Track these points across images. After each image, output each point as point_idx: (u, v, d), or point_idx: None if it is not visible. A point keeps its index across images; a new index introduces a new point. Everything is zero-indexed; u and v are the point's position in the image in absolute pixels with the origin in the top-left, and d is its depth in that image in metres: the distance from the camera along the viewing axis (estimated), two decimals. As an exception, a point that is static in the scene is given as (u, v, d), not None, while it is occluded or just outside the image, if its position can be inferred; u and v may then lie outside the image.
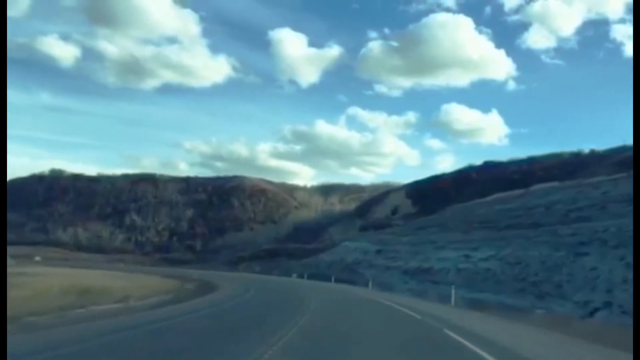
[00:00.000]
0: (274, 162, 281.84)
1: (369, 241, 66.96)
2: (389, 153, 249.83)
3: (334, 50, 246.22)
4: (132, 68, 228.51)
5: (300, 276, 68.24)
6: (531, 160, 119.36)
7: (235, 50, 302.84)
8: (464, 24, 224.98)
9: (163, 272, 63.63)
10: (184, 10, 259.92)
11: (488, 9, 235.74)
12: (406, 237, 60.58)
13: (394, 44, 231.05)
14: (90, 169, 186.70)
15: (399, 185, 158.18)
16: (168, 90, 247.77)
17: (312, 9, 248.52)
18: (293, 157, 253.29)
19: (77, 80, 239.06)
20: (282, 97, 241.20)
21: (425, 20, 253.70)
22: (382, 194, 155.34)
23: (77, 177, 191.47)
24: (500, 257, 38.08)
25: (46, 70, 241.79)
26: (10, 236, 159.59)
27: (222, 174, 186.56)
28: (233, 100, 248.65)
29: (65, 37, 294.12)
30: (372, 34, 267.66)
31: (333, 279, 58.51)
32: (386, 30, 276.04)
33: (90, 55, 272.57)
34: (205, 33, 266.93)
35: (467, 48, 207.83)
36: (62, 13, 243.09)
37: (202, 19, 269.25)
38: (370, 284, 45.51)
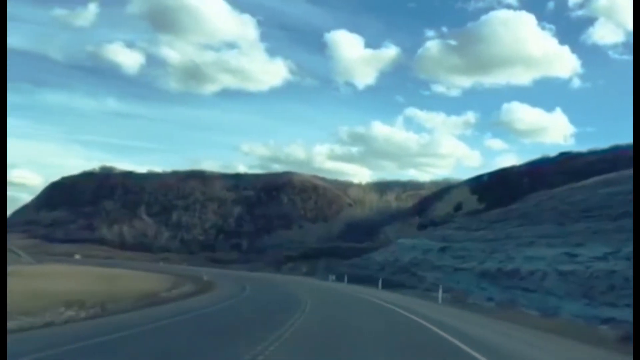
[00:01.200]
0: (330, 164, 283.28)
1: (430, 238, 55.67)
2: (448, 154, 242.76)
3: (390, 51, 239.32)
4: (193, 73, 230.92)
5: (339, 279, 57.84)
6: (616, 149, 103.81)
7: (292, 54, 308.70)
8: (526, 20, 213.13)
9: (194, 273, 54.75)
10: (243, 15, 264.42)
11: (551, 5, 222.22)
12: (478, 231, 48.92)
13: (453, 42, 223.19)
14: (142, 168, 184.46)
15: (461, 180, 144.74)
16: (227, 94, 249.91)
17: (368, 10, 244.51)
18: (350, 158, 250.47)
19: (141, 86, 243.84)
20: (339, 99, 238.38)
21: (485, 17, 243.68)
22: (443, 190, 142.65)
23: (126, 175, 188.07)
24: (626, 255, 26.30)
25: (112, 77, 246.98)
26: (57, 234, 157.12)
27: (273, 171, 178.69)
28: (290, 103, 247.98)
29: (130, 45, 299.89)
30: (430, 33, 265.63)
31: (380, 282, 47.63)
32: (444, 29, 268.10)
33: (153, 61, 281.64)
34: (263, 37, 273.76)
35: (529, 45, 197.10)
36: (127, 21, 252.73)
37: (260, 24, 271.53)
38: (440, 295, 34.24)
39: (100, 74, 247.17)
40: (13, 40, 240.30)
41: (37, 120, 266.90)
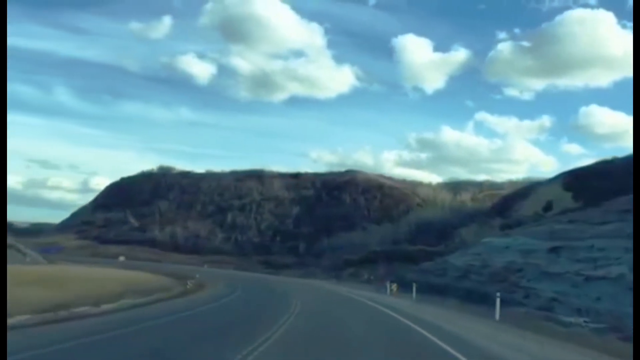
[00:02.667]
0: (398, 170, 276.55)
1: (533, 235, 40.30)
2: (522, 159, 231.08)
3: (460, 54, 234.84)
4: (262, 82, 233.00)
5: (405, 288, 43.28)
6: None
7: (359, 60, 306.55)
8: (605, 19, 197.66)
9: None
10: (310, 23, 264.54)
11: (631, 2, 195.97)
12: (607, 224, 33.30)
13: (526, 44, 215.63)
14: (200, 169, 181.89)
15: (550, 176, 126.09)
16: (295, 102, 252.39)
17: (436, 14, 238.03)
18: (418, 165, 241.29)
19: (213, 96, 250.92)
20: (407, 105, 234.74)
21: (560, 17, 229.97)
22: (527, 187, 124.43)
23: (184, 175, 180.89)
24: None
25: (185, 87, 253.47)
26: (110, 234, 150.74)
27: (335, 169, 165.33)
28: (358, 109, 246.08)
29: (202, 56, 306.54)
30: (501, 34, 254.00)
31: (457, 297, 32.84)
32: (516, 30, 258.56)
33: (224, 71, 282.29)
34: (330, 44, 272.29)
35: (608, 45, 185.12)
36: (199, 33, 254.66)
37: (327, 31, 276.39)
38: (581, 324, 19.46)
39: (173, 85, 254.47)
40: (92, 53, 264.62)
41: (116, 129, 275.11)
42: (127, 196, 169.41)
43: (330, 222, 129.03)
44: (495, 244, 44.59)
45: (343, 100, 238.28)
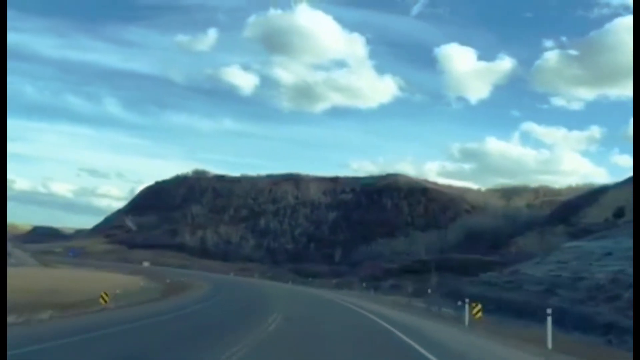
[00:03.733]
0: (442, 181, 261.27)
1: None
2: (570, 171, 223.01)
3: (505, 63, 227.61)
4: (305, 92, 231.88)
5: (462, 306, 32.72)
6: None
7: (401, 70, 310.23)
8: None
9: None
10: (352, 34, 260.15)
11: None
12: None
13: (573, 52, 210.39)
14: (236, 173, 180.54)
15: (617, 182, 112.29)
16: (337, 112, 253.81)
17: (480, 22, 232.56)
18: (462, 176, 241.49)
19: (256, 106, 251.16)
20: (450, 115, 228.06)
21: (609, 25, 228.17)
22: (592, 193, 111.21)
23: (218, 178, 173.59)
24: None
25: (229, 98, 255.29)
26: (139, 239, 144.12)
27: (377, 167, 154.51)
28: (400, 120, 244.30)
29: (245, 67, 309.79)
30: (548, 43, 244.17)
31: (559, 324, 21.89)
32: (564, 39, 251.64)
33: (267, 82, 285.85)
34: (372, 55, 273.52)
35: None
36: (243, 45, 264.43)
37: (369, 41, 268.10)
38: None
39: (218, 96, 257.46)
40: (139, 65, 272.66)
41: (161, 139, 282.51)
42: (160, 200, 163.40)
43: (369, 228, 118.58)
44: (588, 248, 33.54)
45: (384, 111, 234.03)
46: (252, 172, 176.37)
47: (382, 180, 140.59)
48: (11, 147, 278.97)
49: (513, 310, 29.04)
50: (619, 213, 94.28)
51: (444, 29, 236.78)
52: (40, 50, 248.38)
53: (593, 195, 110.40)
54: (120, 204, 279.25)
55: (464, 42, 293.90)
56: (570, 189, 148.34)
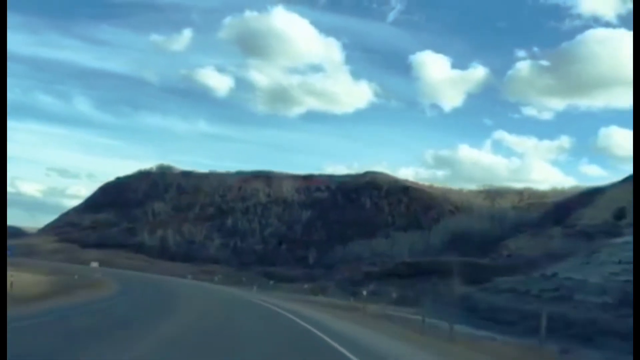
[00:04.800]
0: (422, 182, 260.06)
1: None
2: (540, 180, 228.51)
3: (478, 72, 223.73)
4: (280, 96, 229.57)
5: (472, 319, 22.89)
6: None
7: (377, 76, 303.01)
8: (626, 38, 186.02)
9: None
10: (328, 38, 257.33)
11: None
12: None
13: (545, 63, 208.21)
14: (203, 168, 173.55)
15: (614, 181, 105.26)
16: (312, 116, 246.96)
17: (454, 31, 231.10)
18: (435, 182, 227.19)
19: (231, 109, 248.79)
20: (424, 121, 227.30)
21: (580, 36, 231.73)
22: (587, 194, 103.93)
23: (185, 174, 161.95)
24: None
25: (204, 100, 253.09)
26: (92, 238, 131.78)
27: (352, 171, 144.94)
28: (375, 125, 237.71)
29: (220, 69, 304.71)
30: (520, 53, 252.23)
31: None
32: (535, 49, 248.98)
33: (242, 85, 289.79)
34: (348, 60, 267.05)
35: (630, 65, 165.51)
36: (219, 46, 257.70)
37: (345, 46, 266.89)
38: None
39: (192, 97, 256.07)
40: (114, 64, 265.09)
41: (134, 140, 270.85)
42: (120, 197, 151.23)
43: (347, 228, 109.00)
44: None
45: (360, 116, 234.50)
46: (222, 170, 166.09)
47: (361, 179, 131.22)
48: None
49: (577, 335, 19.38)
50: (619, 214, 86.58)
51: (419, 36, 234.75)
52: (11, 47, 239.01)
53: (586, 196, 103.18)
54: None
55: (438, 49, 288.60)
56: (555, 191, 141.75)
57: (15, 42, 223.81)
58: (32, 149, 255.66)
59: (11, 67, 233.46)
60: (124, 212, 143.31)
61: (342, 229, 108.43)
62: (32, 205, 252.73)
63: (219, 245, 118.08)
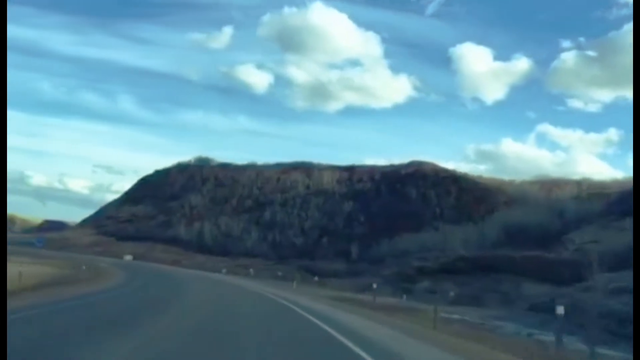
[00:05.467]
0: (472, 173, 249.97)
1: None
2: (588, 173, 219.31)
3: (521, 64, 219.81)
4: (318, 91, 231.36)
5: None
6: None
7: (416, 69, 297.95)
8: None
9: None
10: (367, 32, 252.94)
11: None
12: None
13: (591, 53, 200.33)
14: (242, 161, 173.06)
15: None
16: (350, 111, 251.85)
17: (497, 22, 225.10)
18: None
19: (270, 105, 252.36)
20: (465, 116, 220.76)
21: (627, 26, 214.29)
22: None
23: (223, 166, 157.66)
24: None
25: (243, 97, 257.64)
26: (129, 231, 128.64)
27: (396, 162, 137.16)
28: (414, 120, 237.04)
29: (260, 66, 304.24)
30: (566, 43, 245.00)
31: None
32: (581, 39, 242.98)
33: (281, 81, 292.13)
34: (387, 54, 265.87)
35: None
36: (258, 43, 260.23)
37: (384, 40, 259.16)
38: None
39: (232, 94, 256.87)
40: (156, 63, 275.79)
41: (176, 137, 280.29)
42: (157, 190, 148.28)
43: (392, 220, 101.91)
44: None
45: (399, 110, 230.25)
46: (260, 161, 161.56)
47: (406, 169, 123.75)
48: (27, 143, 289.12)
49: None
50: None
51: (459, 28, 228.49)
52: (57, 47, 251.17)
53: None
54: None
55: (479, 41, 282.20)
56: (616, 182, 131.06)
57: (61, 42, 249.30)
58: (79, 146, 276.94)
59: (57, 66, 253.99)
60: (161, 205, 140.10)
61: (386, 221, 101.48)
62: (79, 201, 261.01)
63: (256, 238, 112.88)
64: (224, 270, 71.07)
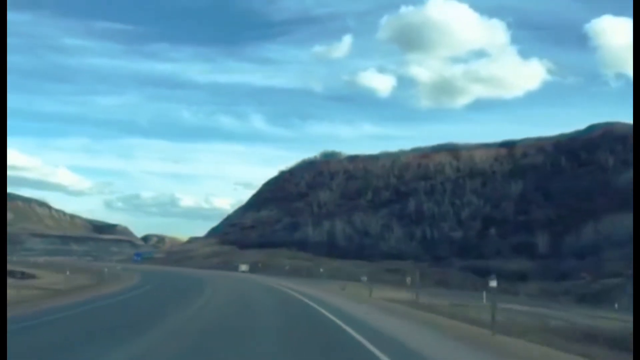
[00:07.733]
0: None
1: None
2: None
3: None
4: (443, 88, 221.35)
5: None
6: None
7: (549, 52, 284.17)
8: None
9: None
10: (490, 20, 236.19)
11: None
12: None
13: None
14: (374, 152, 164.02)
15: None
16: (480, 105, 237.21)
17: None
18: None
19: (394, 108, 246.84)
20: (610, 94, 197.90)
21: None
22: None
23: (352, 158, 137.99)
24: None
25: (367, 103, 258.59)
26: (252, 237, 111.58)
27: (570, 129, 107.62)
28: (551, 106, 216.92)
29: (381, 69, 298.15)
30: None
31: None
32: None
33: (404, 82, 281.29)
34: (514, 40, 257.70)
35: None
36: (378, 47, 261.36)
37: (509, 26, 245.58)
38: None
39: (356, 101, 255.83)
40: (281, 80, 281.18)
41: (304, 149, 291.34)
42: (282, 190, 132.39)
43: (583, 200, 74.41)
44: None
45: (534, 98, 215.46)
46: (393, 148, 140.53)
47: (589, 134, 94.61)
48: (175, 168, 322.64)
49: None
50: None
51: (592, 2, 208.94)
52: (193, 77, 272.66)
53: None
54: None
55: (618, 12, 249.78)
56: None
57: (195, 71, 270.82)
58: (220, 166, 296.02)
59: (194, 94, 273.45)
60: (286, 206, 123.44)
61: (578, 201, 74.22)
62: (222, 217, 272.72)
63: (400, 235, 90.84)
64: (364, 278, 50.19)
